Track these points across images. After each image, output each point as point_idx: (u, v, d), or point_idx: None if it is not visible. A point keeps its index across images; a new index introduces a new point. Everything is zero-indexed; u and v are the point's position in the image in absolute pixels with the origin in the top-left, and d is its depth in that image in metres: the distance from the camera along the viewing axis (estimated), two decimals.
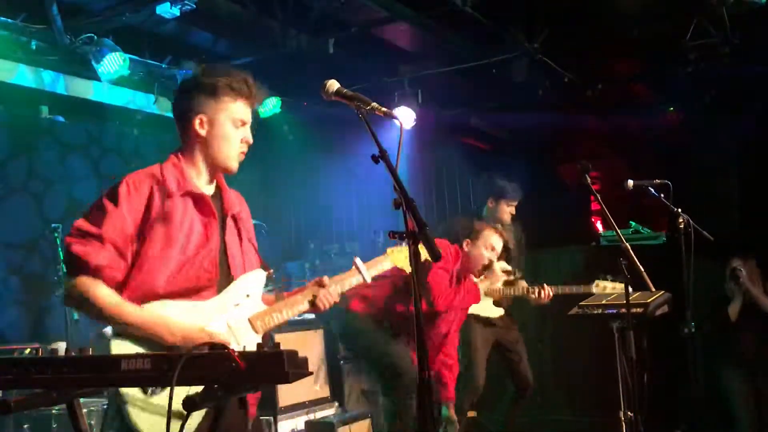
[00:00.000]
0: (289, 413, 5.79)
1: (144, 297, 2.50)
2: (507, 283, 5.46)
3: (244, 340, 2.62)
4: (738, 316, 5.90)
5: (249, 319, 2.68)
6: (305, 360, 1.99)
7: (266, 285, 2.82)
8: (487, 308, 5.55)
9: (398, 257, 3.26)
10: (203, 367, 1.87)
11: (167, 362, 1.88)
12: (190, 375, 1.86)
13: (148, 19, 5.40)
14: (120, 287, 2.51)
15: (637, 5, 5.79)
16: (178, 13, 5.11)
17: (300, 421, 5.87)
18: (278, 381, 1.90)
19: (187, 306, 2.54)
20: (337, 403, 6.32)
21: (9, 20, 5.26)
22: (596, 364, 5.35)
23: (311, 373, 2.10)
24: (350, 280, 2.97)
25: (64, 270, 2.60)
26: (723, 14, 5.72)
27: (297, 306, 2.81)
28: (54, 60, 5.77)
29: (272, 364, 1.87)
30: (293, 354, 1.94)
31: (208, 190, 2.73)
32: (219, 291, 2.64)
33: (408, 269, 3.05)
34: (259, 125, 8.20)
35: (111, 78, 5.71)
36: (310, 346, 6.20)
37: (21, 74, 5.96)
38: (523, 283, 5.44)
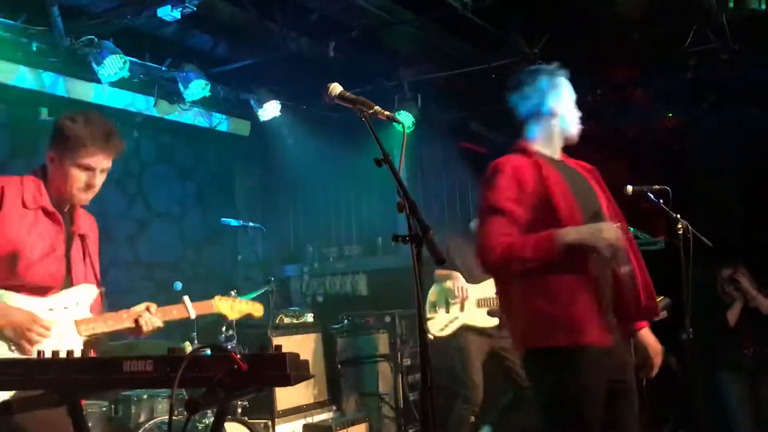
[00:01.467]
0: (287, 416, 5.79)
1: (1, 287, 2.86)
2: None
3: (67, 339, 2.92)
4: (736, 321, 5.93)
5: (75, 322, 2.96)
6: (306, 363, 2.00)
7: (103, 305, 3.12)
8: (480, 318, 5.60)
9: (223, 306, 3.45)
10: (206, 368, 1.88)
11: (170, 364, 1.89)
12: (192, 377, 1.87)
13: (149, 21, 5.42)
14: None
15: (637, 11, 5.81)
16: (178, 16, 5.13)
17: (298, 424, 5.87)
18: (280, 383, 1.91)
19: (26, 300, 2.87)
20: (334, 407, 6.32)
21: (10, 21, 5.27)
22: None
23: (313, 376, 2.11)
24: (174, 313, 3.20)
25: None
26: (722, 20, 5.74)
27: (121, 322, 3.05)
28: (54, 62, 5.78)
29: (274, 367, 1.88)
30: (295, 357, 1.95)
31: (60, 209, 3.03)
32: None
33: (231, 317, 3.48)
34: (258, 129, 8.20)
35: (111, 80, 5.72)
36: (308, 349, 6.21)
37: (21, 76, 5.96)
38: None
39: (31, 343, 2.80)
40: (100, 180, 3.02)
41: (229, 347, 5.30)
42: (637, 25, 6.02)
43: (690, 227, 4.89)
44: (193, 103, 6.61)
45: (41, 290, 2.93)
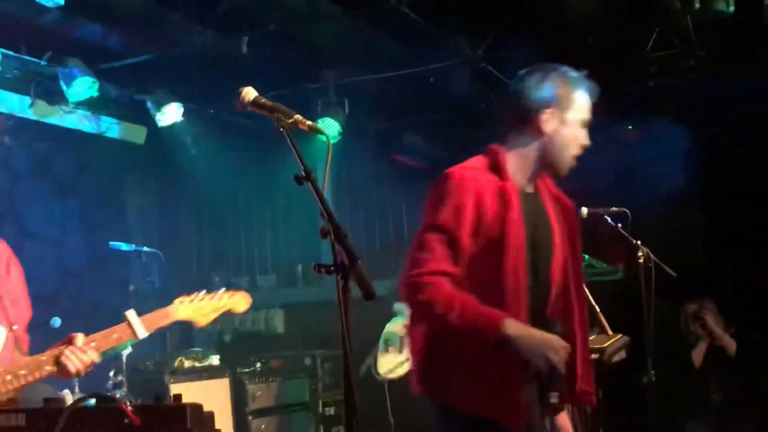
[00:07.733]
0: None
1: None
2: None
3: None
4: (702, 362, 6.09)
5: None
6: (211, 415, 1.98)
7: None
8: None
9: (185, 310, 3.27)
10: (90, 422, 1.84)
11: (46, 417, 1.84)
12: None
13: (26, 6, 5.30)
14: None
15: (594, 11, 5.97)
16: (62, 2, 5.04)
17: None
18: None
19: None
20: None
21: None
22: None
23: (219, 431, 2.08)
24: (114, 337, 2.89)
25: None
26: (687, 23, 5.96)
27: (42, 367, 2.71)
28: None
29: (173, 420, 1.86)
30: (197, 408, 1.93)
31: None
32: None
33: (204, 323, 3.26)
34: (156, 136, 8.09)
35: None
36: (214, 398, 6.13)
37: None
38: None
39: None
40: None
41: (118, 397, 5.19)
42: (593, 28, 6.19)
43: (651, 255, 5.03)
44: (77, 104, 6.49)
45: None
